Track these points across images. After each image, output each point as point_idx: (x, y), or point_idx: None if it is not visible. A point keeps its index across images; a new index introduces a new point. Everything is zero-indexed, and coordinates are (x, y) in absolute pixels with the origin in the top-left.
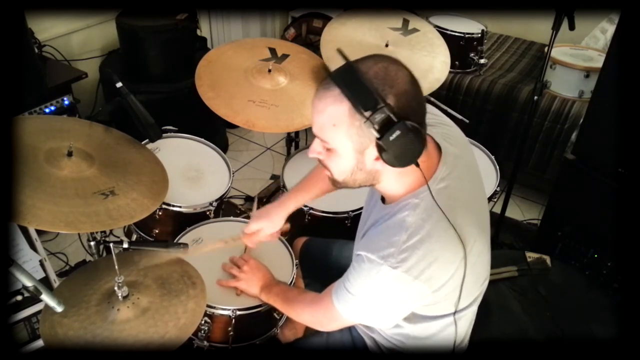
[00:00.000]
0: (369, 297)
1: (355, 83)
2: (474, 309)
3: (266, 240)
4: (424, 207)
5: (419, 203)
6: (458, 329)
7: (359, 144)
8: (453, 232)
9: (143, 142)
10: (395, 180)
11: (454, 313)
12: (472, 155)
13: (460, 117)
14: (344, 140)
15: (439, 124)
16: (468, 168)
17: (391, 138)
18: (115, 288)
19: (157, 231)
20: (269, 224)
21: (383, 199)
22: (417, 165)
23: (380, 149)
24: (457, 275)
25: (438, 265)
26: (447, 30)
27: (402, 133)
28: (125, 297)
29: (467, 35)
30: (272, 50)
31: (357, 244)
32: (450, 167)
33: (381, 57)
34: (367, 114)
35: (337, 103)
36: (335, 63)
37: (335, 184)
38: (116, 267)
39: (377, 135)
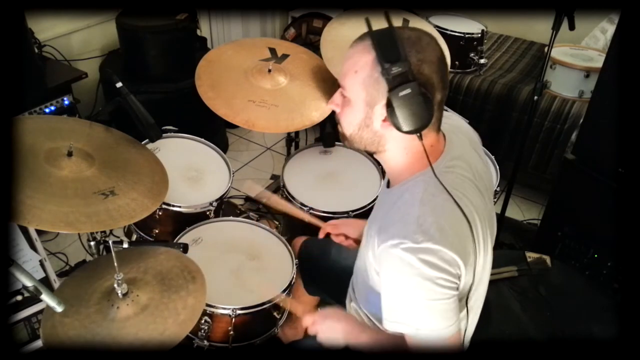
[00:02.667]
0: (415, 290)
1: (387, 39)
2: (477, 304)
3: (346, 242)
4: (433, 184)
5: (427, 180)
6: (469, 320)
7: (371, 97)
8: (460, 211)
9: (143, 142)
10: (399, 153)
11: (467, 301)
12: (477, 158)
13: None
14: (359, 90)
15: (447, 122)
16: (472, 170)
17: (400, 94)
18: (115, 285)
19: (157, 231)
20: (347, 226)
21: (388, 185)
22: (420, 138)
23: (388, 105)
24: (471, 249)
25: (454, 231)
26: (447, 30)
27: (412, 92)
28: (124, 295)
29: (467, 35)
30: (272, 50)
31: (370, 245)
32: (453, 160)
33: (420, 29)
34: (387, 65)
35: (364, 52)
36: (337, 62)
37: (344, 140)
38: (115, 264)
39: (388, 87)
